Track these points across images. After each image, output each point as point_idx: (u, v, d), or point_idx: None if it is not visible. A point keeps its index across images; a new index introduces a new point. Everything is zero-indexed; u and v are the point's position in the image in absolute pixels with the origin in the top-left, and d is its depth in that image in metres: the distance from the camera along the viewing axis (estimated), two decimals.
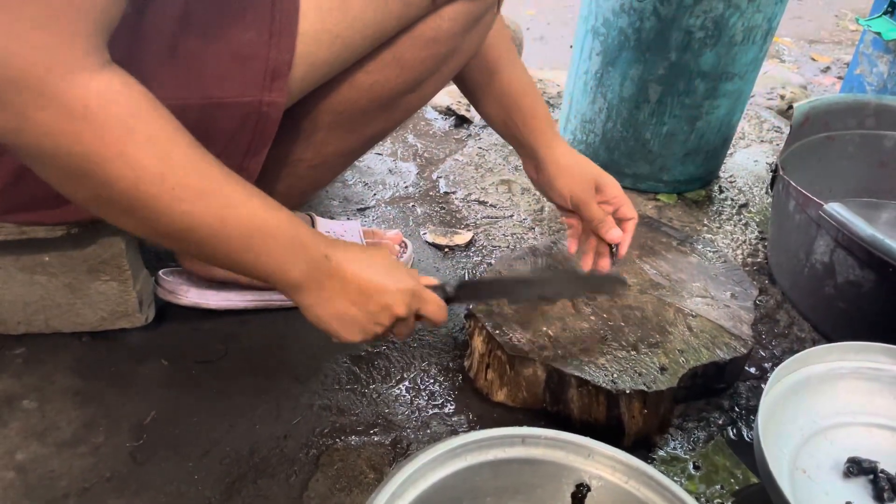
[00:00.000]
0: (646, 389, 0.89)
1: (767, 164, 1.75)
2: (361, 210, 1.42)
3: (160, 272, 1.04)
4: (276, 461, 0.85)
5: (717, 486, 0.89)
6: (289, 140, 0.85)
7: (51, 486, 0.80)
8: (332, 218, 1.35)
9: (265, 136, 0.75)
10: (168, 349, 0.99)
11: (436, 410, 0.95)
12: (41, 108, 0.52)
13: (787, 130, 1.91)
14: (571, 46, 1.67)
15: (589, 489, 0.71)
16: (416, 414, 0.94)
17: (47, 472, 0.81)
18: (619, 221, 0.98)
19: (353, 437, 0.90)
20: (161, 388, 0.93)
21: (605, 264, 0.99)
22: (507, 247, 1.33)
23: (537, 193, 1.50)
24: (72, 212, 0.80)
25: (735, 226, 1.48)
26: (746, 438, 0.97)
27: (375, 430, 0.91)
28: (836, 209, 1.05)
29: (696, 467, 0.92)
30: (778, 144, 1.87)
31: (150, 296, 1.01)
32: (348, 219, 1.37)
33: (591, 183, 0.97)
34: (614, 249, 0.98)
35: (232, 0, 0.68)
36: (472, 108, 1.84)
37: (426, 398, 0.97)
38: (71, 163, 0.55)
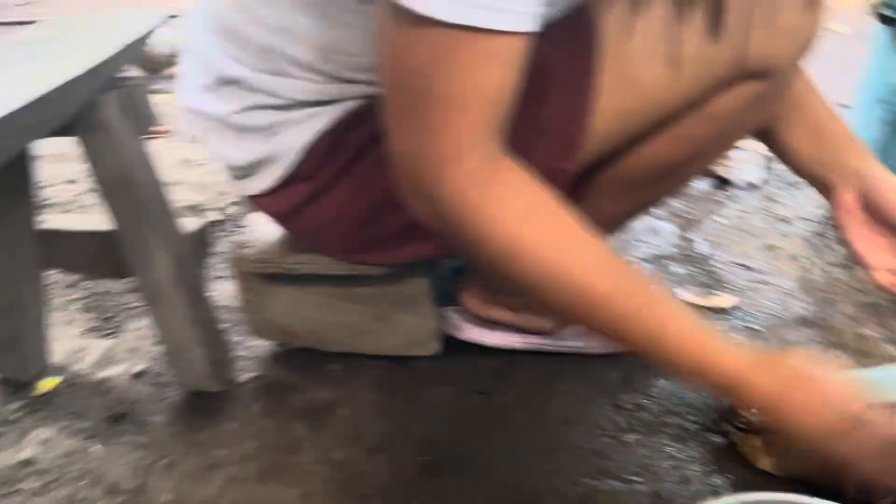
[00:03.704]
0: None
1: None
2: None
3: (448, 309, 1.18)
4: (547, 495, 0.93)
5: None
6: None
7: (360, 485, 0.94)
8: None
9: None
10: (452, 378, 1.12)
11: (695, 468, 0.98)
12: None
13: None
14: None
15: None
16: (677, 469, 0.97)
17: (357, 472, 0.96)
18: None
19: (616, 482, 0.95)
20: (446, 412, 1.06)
21: None
22: (772, 314, 1.31)
23: (806, 260, 1.46)
24: (408, 254, 0.94)
25: None
26: None
27: (636, 477, 0.96)
28: None
29: None
30: None
31: (440, 329, 1.15)
32: None
33: None
34: None
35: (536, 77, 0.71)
36: (731, 170, 1.84)
37: (684, 455, 1.00)
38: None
